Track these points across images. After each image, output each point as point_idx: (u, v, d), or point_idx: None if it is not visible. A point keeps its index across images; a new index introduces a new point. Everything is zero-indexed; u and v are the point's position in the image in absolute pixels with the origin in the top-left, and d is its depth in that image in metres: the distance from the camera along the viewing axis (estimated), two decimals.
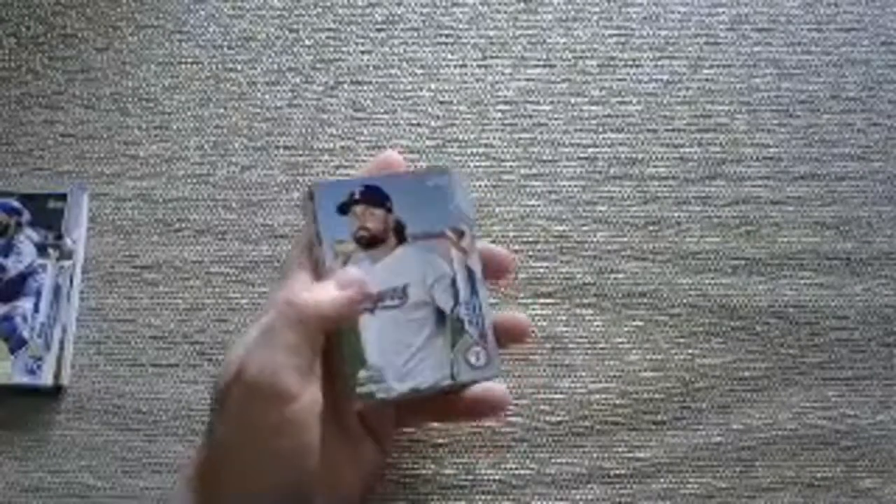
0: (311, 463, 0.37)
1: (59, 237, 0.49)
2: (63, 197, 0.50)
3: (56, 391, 0.48)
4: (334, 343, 0.39)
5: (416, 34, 0.54)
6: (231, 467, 0.37)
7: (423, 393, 0.40)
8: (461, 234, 0.42)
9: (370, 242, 0.41)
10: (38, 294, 0.49)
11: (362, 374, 0.39)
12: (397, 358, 0.40)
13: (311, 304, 0.38)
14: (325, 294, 0.38)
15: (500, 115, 0.52)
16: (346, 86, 0.53)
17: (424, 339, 0.41)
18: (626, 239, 0.50)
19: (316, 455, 0.37)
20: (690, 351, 0.48)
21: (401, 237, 0.41)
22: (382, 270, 0.41)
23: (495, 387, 0.43)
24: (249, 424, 0.37)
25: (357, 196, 0.41)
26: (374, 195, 0.41)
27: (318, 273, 0.40)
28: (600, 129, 0.52)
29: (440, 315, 0.41)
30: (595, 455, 0.47)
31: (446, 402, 0.43)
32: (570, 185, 0.51)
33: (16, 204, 0.50)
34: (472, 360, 0.41)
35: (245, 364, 0.37)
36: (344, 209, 0.41)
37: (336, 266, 0.40)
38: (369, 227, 0.41)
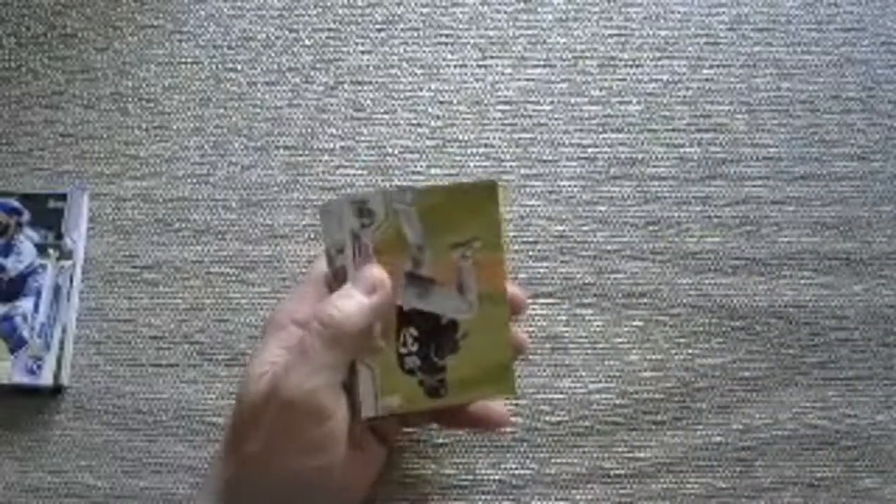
0: (338, 474, 0.39)
1: (59, 237, 0.49)
2: (63, 197, 0.50)
3: (56, 391, 0.48)
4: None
5: (416, 34, 0.54)
6: (264, 481, 0.39)
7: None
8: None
9: None
10: (38, 294, 0.48)
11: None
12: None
13: (343, 321, 0.38)
14: (353, 306, 0.38)
15: (500, 115, 0.52)
16: (346, 86, 0.53)
17: None
18: (626, 239, 0.50)
19: (343, 466, 0.39)
20: (690, 351, 0.48)
21: None
22: None
23: (497, 406, 0.43)
24: (287, 441, 0.38)
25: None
26: None
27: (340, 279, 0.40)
28: (600, 129, 0.52)
29: None
30: (595, 455, 0.47)
31: (451, 413, 0.43)
32: (570, 185, 0.51)
33: (16, 204, 0.50)
34: None
35: (281, 383, 0.38)
36: None
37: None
38: None
